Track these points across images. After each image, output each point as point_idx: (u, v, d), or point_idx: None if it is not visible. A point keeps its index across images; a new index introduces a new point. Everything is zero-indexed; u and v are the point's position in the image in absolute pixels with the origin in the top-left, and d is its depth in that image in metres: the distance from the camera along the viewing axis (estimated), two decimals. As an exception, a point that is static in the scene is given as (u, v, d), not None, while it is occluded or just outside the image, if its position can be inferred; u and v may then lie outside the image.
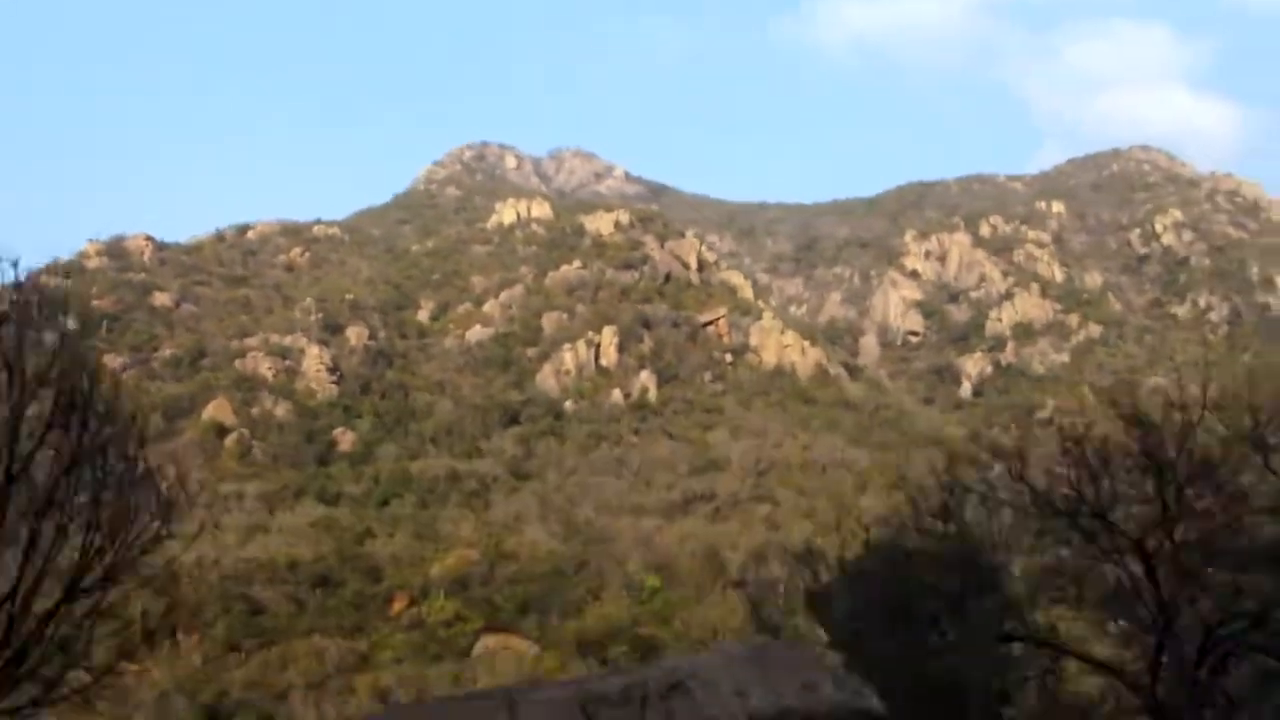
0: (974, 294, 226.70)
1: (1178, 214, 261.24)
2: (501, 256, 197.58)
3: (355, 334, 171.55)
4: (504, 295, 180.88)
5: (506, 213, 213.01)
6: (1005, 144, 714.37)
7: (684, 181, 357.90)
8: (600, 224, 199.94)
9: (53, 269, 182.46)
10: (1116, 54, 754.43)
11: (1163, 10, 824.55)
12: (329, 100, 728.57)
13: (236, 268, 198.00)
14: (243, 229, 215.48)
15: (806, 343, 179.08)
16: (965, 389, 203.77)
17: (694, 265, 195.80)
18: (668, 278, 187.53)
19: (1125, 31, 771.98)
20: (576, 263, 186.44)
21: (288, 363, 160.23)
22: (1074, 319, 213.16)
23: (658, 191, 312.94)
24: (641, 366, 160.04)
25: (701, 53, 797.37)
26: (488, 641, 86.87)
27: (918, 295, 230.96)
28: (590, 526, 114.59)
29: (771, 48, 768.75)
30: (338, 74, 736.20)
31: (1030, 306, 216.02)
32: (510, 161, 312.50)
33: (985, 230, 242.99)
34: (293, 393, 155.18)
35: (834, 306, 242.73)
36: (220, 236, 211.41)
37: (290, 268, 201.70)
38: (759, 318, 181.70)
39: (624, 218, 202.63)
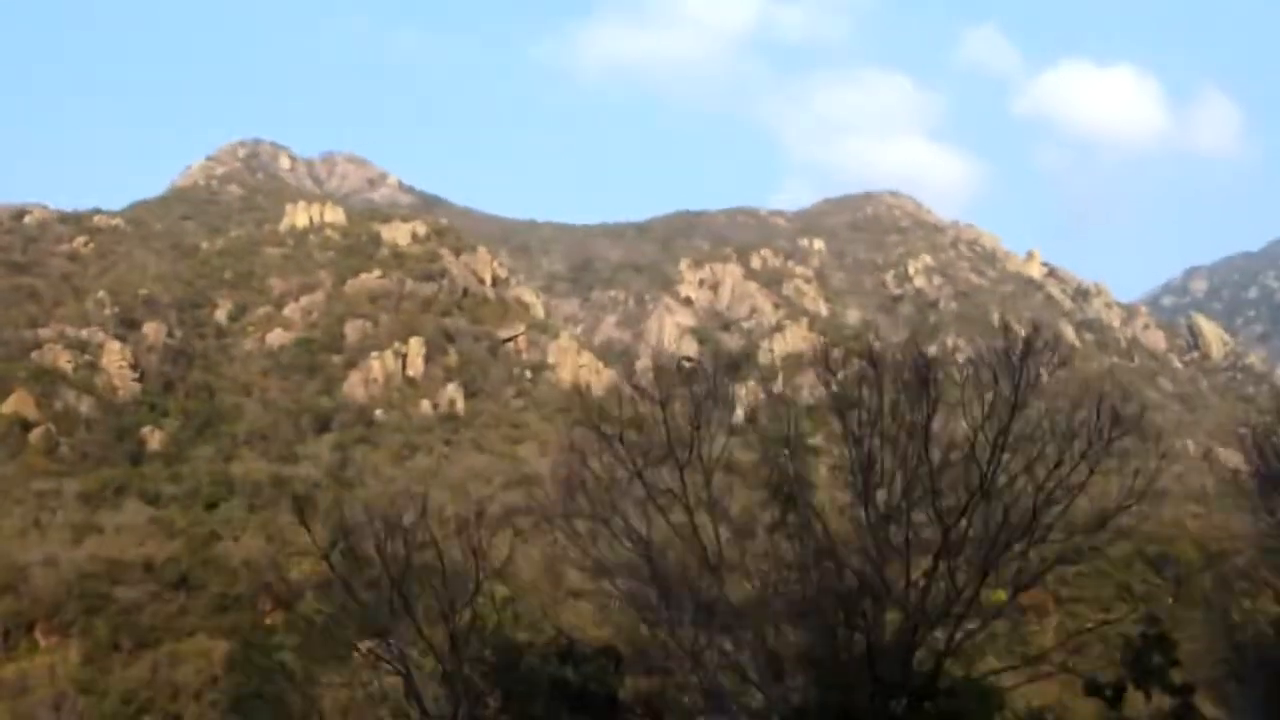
0: (745, 324, 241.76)
1: (928, 259, 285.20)
2: (298, 260, 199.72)
3: (153, 330, 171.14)
4: (304, 300, 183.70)
5: (299, 216, 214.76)
6: (758, 178, 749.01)
7: (456, 194, 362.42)
8: (397, 234, 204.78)
9: None
10: (862, 101, 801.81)
11: (905, 63, 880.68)
12: (92, 89, 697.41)
13: (15, 254, 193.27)
14: (18, 214, 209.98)
15: (600, 363, 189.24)
16: (738, 415, 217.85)
17: (489, 280, 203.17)
18: (465, 292, 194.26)
19: (871, 81, 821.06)
20: (377, 272, 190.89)
21: (86, 357, 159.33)
22: (839, 353, 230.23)
23: (431, 203, 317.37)
24: (449, 379, 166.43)
25: (465, 69, 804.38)
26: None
27: (691, 322, 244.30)
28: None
29: (533, 68, 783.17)
30: (101, 66, 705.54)
31: (799, 339, 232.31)
32: (284, 162, 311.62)
33: (756, 262, 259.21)
34: (94, 388, 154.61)
35: (609, 328, 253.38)
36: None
37: (74, 257, 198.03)
38: (556, 336, 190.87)
39: (420, 229, 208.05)
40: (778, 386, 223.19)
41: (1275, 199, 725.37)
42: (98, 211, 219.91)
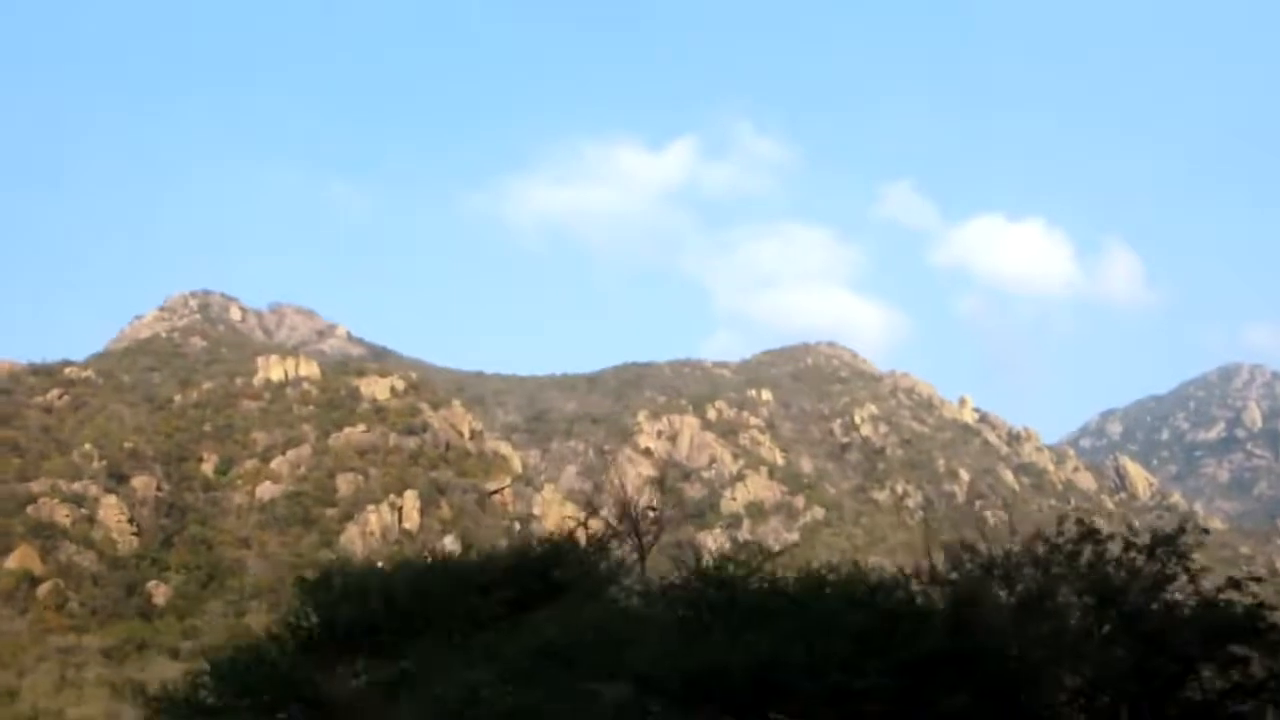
0: (705, 474, 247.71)
1: (873, 408, 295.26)
2: (277, 414, 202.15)
3: (142, 484, 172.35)
4: (290, 454, 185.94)
5: (274, 369, 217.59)
6: (690, 329, 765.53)
7: (403, 346, 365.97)
8: (376, 389, 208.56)
9: None
10: (787, 254, 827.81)
11: (826, 217, 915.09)
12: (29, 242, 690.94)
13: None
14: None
15: (582, 514, 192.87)
16: (707, 562, 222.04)
17: (467, 434, 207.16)
18: (448, 446, 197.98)
19: (795, 234, 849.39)
20: (361, 426, 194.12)
21: (83, 511, 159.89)
22: (800, 501, 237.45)
23: (380, 354, 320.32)
24: (445, 531, 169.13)
25: (399, 220, 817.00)
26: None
27: (652, 472, 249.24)
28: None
29: (468, 220, 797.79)
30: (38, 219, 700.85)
31: (760, 488, 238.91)
32: (235, 313, 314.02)
33: (712, 414, 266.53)
34: (94, 542, 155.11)
35: (571, 478, 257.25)
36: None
37: (49, 409, 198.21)
38: (539, 489, 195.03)
39: (398, 384, 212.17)
40: (744, 534, 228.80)
41: (1179, 345, 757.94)
42: (68, 363, 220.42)
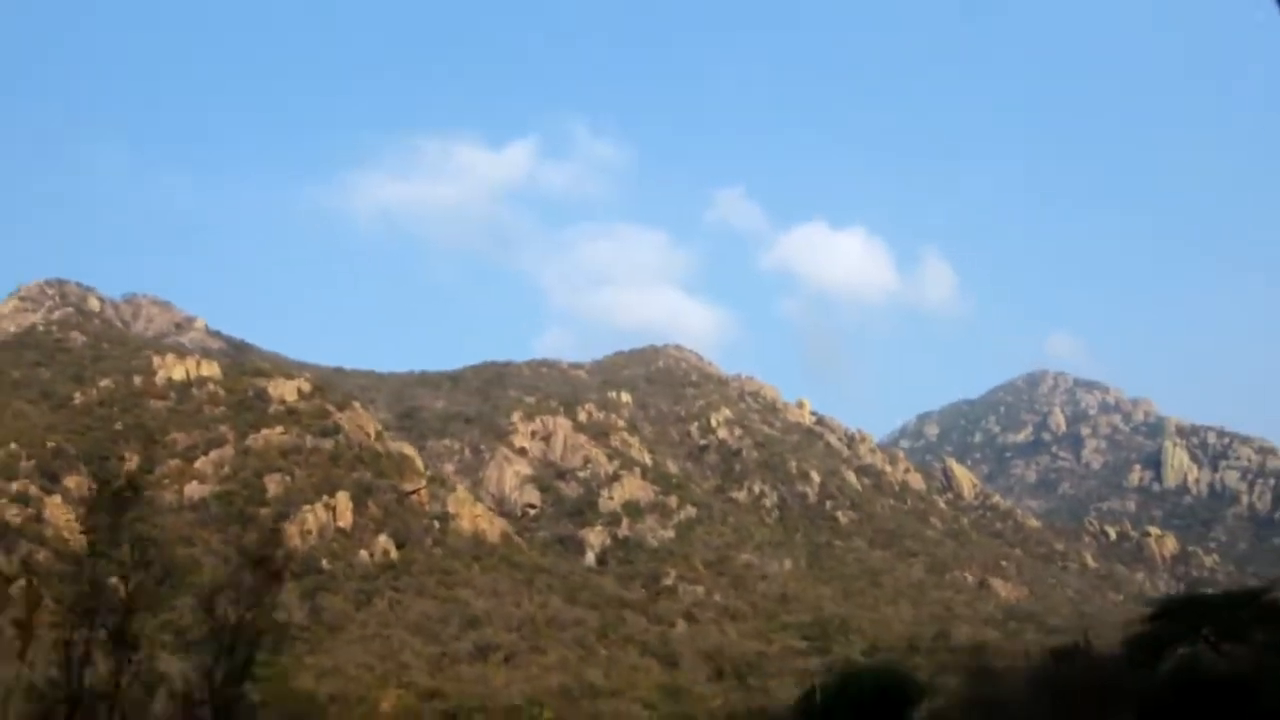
0: (581, 473, 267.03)
1: (727, 411, 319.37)
2: (189, 414, 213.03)
3: (75, 483, 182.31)
4: (214, 454, 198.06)
5: (174, 369, 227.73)
6: (524, 325, 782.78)
7: (261, 339, 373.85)
8: (284, 390, 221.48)
9: None
10: (621, 255, 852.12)
11: (660, 220, 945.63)
12: None
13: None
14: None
15: (492, 514, 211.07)
16: (589, 558, 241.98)
17: (373, 435, 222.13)
18: (361, 446, 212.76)
19: (629, 236, 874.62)
20: (278, 428, 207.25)
21: (29, 510, 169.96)
22: (673, 500, 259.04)
23: (240, 347, 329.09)
24: (378, 530, 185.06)
25: (235, 210, 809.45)
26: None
27: (529, 471, 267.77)
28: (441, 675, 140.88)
29: (304, 212, 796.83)
30: None
31: (635, 488, 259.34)
32: (93, 303, 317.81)
33: (583, 416, 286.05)
34: (46, 540, 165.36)
35: (448, 477, 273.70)
36: None
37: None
38: (453, 489, 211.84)
39: (305, 386, 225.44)
40: (623, 531, 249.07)
41: (988, 351, 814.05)
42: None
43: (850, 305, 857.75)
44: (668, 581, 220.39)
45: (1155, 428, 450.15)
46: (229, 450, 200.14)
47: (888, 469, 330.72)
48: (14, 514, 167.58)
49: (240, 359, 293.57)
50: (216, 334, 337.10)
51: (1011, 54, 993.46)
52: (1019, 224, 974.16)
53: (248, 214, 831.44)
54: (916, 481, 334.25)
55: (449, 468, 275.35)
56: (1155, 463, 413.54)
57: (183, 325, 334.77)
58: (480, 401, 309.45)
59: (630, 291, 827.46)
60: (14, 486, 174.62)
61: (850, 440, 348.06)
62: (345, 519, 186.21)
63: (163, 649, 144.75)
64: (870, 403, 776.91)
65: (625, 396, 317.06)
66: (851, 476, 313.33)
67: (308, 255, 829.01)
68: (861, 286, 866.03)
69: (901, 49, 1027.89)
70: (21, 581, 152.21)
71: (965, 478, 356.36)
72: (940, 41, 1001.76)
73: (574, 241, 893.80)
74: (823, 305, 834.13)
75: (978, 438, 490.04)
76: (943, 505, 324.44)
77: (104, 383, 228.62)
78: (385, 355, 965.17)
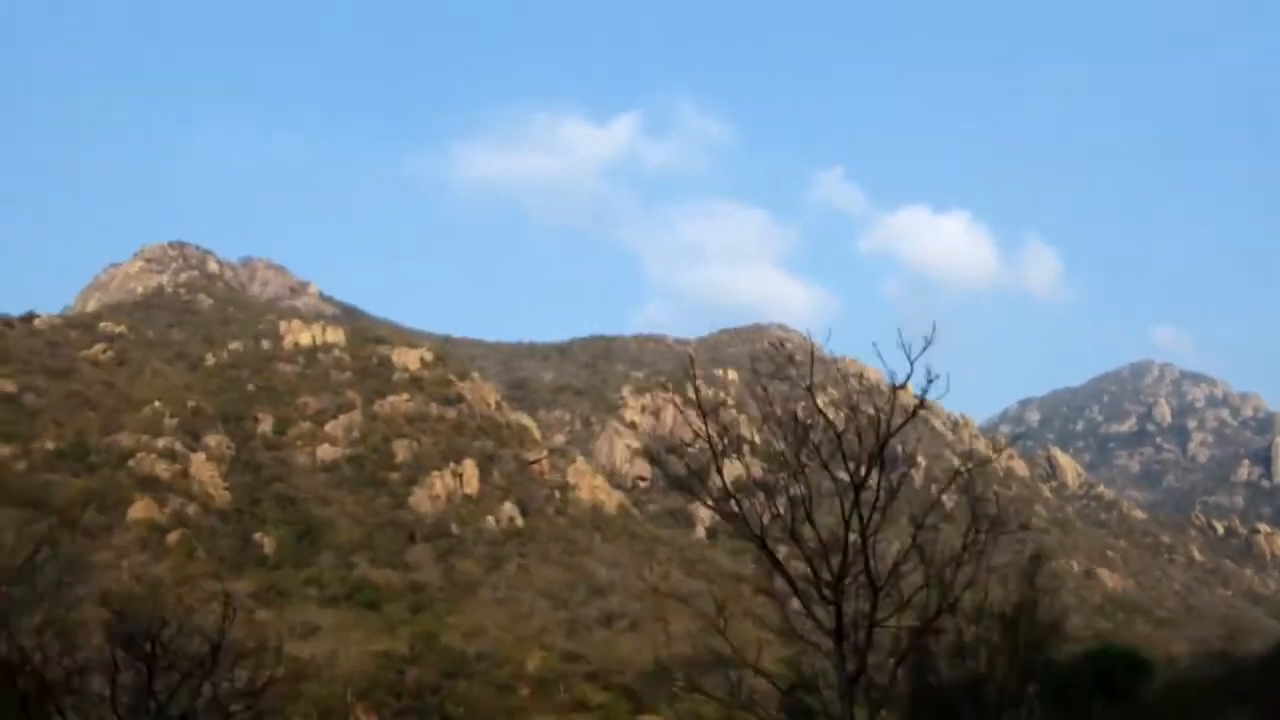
0: (690, 448, 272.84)
1: (834, 391, 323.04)
2: (317, 379, 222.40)
3: (215, 441, 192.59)
4: (343, 418, 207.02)
5: (301, 335, 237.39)
6: (623, 303, 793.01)
7: (371, 305, 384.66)
8: (407, 359, 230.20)
9: None
10: (720, 232, 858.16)
11: (760, 199, 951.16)
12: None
13: (46, 359, 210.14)
14: (27, 318, 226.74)
15: (609, 486, 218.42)
16: (700, 531, 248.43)
17: (493, 404, 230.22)
18: (483, 416, 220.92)
19: (729, 213, 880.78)
20: (404, 395, 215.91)
21: (177, 466, 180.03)
22: (783, 478, 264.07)
23: (352, 313, 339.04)
24: (504, 497, 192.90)
25: (348, 177, 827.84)
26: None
27: (637, 444, 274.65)
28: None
29: (411, 182, 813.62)
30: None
31: (742, 465, 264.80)
32: (212, 266, 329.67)
33: (691, 391, 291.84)
34: (194, 496, 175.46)
35: (567, 449, 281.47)
36: (9, 324, 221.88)
37: (96, 364, 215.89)
38: (573, 460, 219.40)
39: (427, 355, 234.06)
40: (734, 508, 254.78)
41: (1091, 340, 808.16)
42: (101, 318, 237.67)
43: (951, 289, 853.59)
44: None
45: (1265, 423, 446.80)
46: (357, 415, 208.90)
47: (991, 455, 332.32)
48: (163, 469, 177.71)
49: (352, 324, 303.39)
50: (329, 299, 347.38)
51: (1128, 42, 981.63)
52: (1129, 213, 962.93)
53: (357, 182, 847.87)
54: (1021, 468, 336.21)
55: (559, 439, 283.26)
56: (1265, 459, 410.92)
57: (296, 289, 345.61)
58: (589, 374, 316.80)
59: (730, 269, 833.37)
60: (160, 443, 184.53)
61: (954, 425, 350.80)
62: (472, 486, 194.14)
63: (307, 601, 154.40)
64: (970, 388, 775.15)
65: (732, 374, 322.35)
66: (955, 462, 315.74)
67: (413, 223, 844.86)
68: (962, 271, 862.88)
69: (1009, 39, 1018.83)
70: (177, 533, 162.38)
71: (1070, 466, 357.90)
72: (1047, 31, 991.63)
73: (674, 218, 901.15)
74: (923, 289, 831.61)
75: (1080, 426, 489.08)
76: (1047, 493, 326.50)
77: (233, 345, 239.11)
78: (485, 325, 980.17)
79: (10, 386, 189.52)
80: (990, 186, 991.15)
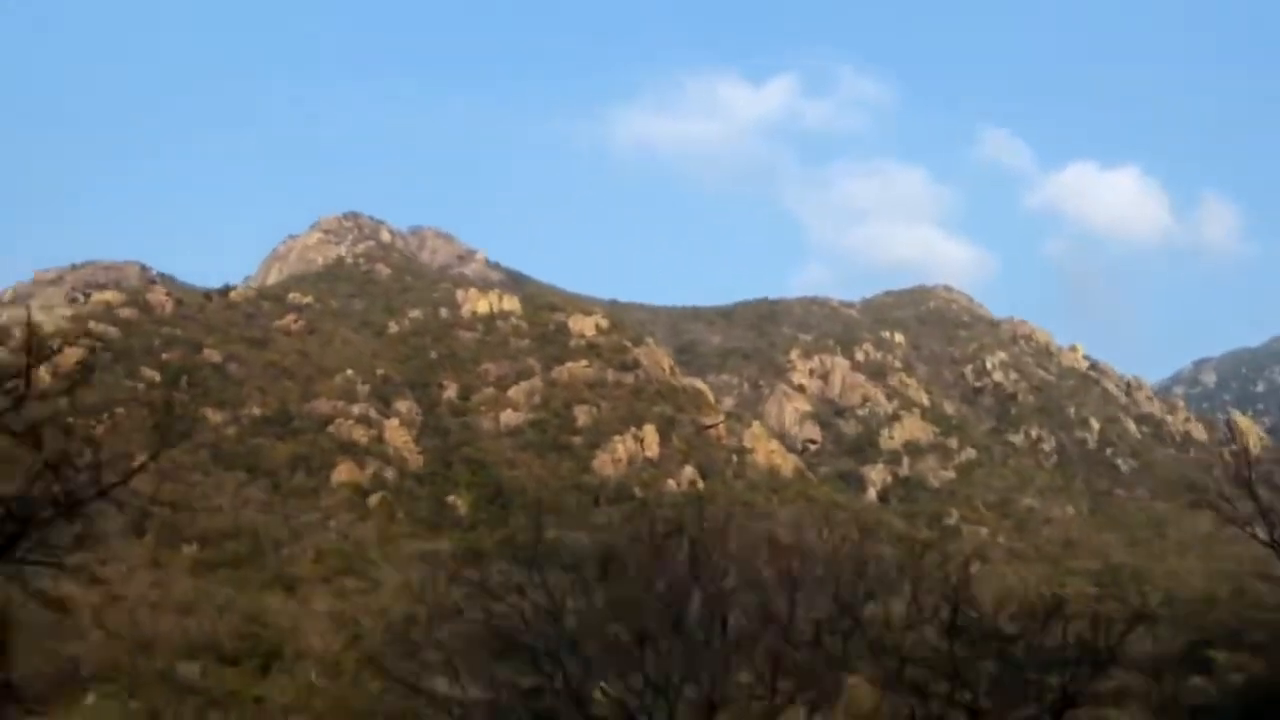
0: (860, 412, 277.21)
1: (1001, 354, 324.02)
2: (495, 346, 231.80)
3: (406, 407, 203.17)
4: (524, 385, 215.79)
5: (479, 303, 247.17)
6: (783, 265, 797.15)
7: (538, 271, 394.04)
8: (583, 325, 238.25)
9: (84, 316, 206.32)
10: (880, 191, 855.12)
11: (921, 157, 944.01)
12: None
13: (244, 329, 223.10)
14: (224, 291, 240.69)
15: (784, 450, 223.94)
16: (871, 495, 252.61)
17: (667, 369, 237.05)
18: (658, 381, 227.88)
19: (889, 172, 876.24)
20: (583, 361, 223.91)
21: (373, 431, 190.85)
22: (953, 441, 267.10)
23: (519, 280, 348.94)
24: (684, 461, 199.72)
25: (510, 144, 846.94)
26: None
27: (807, 408, 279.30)
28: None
29: (568, 148, 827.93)
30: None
31: (914, 428, 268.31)
32: (385, 235, 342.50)
33: (860, 355, 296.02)
34: (390, 459, 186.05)
35: (742, 413, 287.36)
36: (209, 296, 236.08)
37: (288, 333, 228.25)
38: (749, 425, 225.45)
39: (602, 321, 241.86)
40: (904, 470, 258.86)
41: (1272, 298, 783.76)
42: (287, 289, 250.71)
43: (1119, 246, 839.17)
44: (950, 522, 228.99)
45: None
46: (537, 381, 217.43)
47: (1168, 418, 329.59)
48: (360, 434, 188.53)
49: (520, 291, 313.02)
50: (496, 266, 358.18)
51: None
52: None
53: (517, 147, 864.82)
54: (1199, 432, 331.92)
55: (728, 402, 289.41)
56: None
57: (464, 257, 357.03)
58: (755, 337, 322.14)
59: (889, 228, 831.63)
60: (355, 409, 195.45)
61: (1127, 387, 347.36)
62: (652, 450, 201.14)
63: (504, 561, 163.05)
64: (1141, 347, 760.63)
65: (899, 337, 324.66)
66: (1130, 425, 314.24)
67: (575, 188, 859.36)
68: (1132, 227, 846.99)
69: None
70: (377, 496, 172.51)
71: (1252, 431, 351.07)
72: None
73: (833, 178, 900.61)
74: (1090, 246, 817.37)
75: (1260, 387, 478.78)
76: (1228, 458, 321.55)
77: (413, 314, 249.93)
78: (647, 288, 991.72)
79: (216, 357, 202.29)
80: (1163, 139, 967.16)
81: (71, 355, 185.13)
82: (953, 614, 40.10)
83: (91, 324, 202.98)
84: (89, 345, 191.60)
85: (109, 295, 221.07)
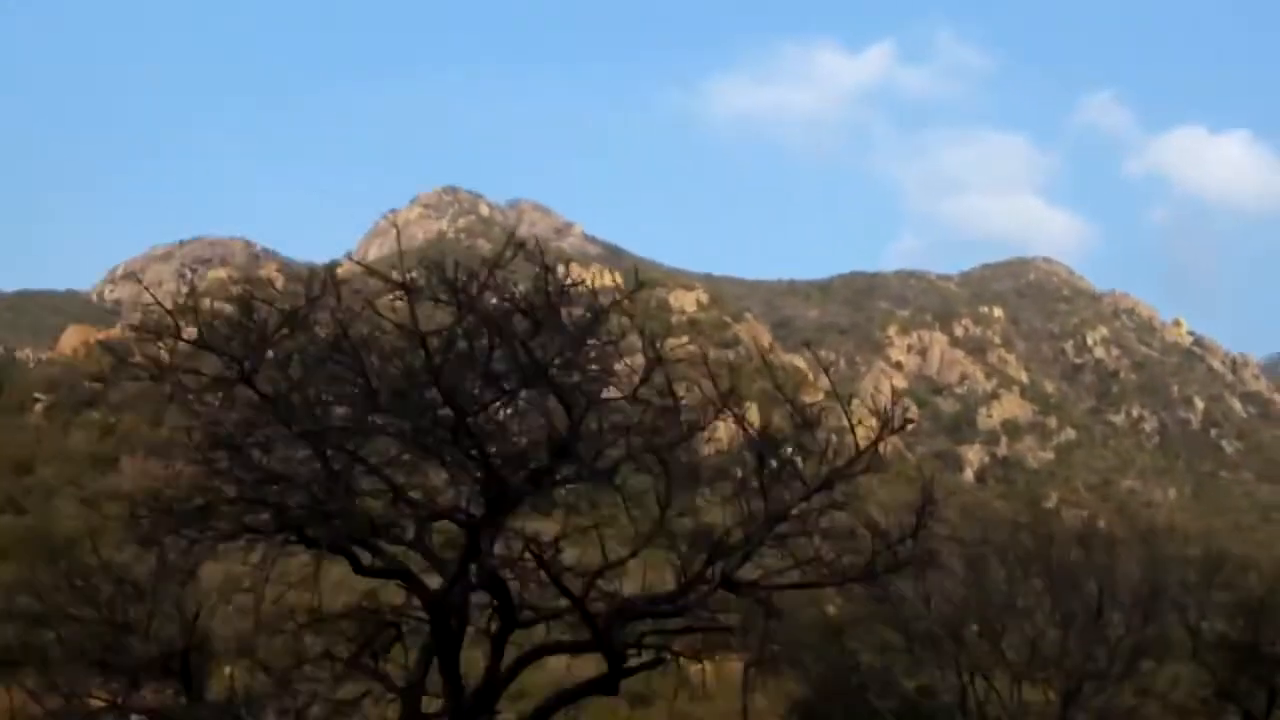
0: (958, 390, 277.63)
1: (1103, 329, 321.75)
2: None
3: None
4: (625, 361, 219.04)
5: (583, 277, 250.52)
6: (877, 237, 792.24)
7: (634, 245, 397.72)
8: (684, 301, 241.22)
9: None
10: (977, 159, 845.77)
11: (1020, 124, 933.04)
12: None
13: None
14: (331, 267, 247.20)
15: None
16: (968, 475, 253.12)
17: (767, 345, 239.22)
18: (760, 358, 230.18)
19: (987, 139, 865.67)
20: (684, 338, 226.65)
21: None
22: (1052, 421, 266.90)
23: (616, 253, 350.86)
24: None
25: (600, 115, 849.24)
26: None
27: (904, 385, 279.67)
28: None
29: (663, 117, 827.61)
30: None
31: (1013, 406, 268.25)
32: (483, 209, 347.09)
33: (959, 331, 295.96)
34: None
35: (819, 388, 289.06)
36: (316, 273, 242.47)
37: (393, 310, 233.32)
38: (849, 402, 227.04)
39: (702, 297, 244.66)
40: (1002, 450, 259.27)
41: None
42: (393, 265, 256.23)
43: (1227, 215, 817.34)
44: (1049, 504, 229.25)
45: None
46: (638, 359, 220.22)
47: (1276, 397, 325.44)
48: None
49: (617, 264, 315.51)
50: (593, 239, 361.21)
51: None
52: None
53: (613, 120, 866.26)
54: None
55: (823, 379, 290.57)
56: None
57: (562, 230, 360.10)
58: (851, 312, 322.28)
59: (987, 197, 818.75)
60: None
61: (1233, 364, 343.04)
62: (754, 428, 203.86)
63: (609, 542, 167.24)
64: (1248, 322, 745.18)
65: (998, 311, 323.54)
66: (1236, 404, 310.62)
67: (668, 159, 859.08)
68: (1242, 194, 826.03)
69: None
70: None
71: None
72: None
73: (930, 146, 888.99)
74: (1196, 215, 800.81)
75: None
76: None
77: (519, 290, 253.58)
78: (743, 262, 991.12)
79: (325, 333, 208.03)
80: (1276, 102, 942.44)
81: (188, 331, 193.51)
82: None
83: (206, 301, 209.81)
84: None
85: (223, 272, 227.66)
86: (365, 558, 19.36)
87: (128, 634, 20.07)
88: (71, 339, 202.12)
